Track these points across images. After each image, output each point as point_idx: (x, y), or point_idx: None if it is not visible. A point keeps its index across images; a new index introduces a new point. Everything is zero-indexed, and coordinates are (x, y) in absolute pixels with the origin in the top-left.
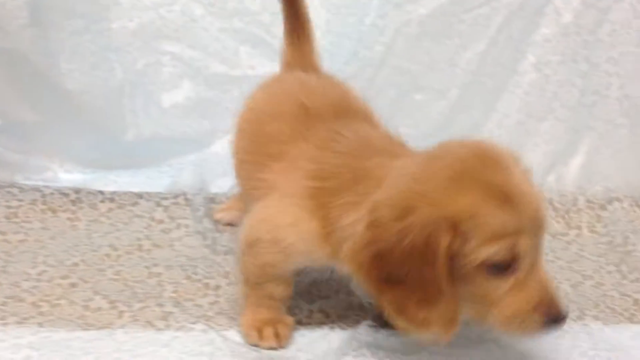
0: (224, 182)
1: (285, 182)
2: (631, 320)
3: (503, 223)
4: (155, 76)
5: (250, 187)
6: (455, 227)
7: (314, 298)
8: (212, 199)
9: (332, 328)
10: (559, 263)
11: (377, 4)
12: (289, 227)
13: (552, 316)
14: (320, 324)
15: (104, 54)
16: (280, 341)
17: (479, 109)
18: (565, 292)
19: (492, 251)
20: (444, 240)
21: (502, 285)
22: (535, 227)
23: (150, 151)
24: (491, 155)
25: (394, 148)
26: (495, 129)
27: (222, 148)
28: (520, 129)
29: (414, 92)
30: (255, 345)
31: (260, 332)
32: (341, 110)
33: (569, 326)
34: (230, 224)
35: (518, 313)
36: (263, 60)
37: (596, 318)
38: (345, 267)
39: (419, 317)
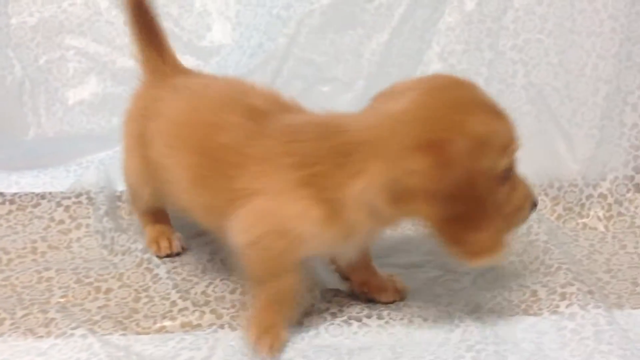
0: None
1: (271, 183)
2: (526, 312)
3: (509, 134)
4: (58, 72)
5: (223, 200)
6: (484, 146)
7: None
8: (118, 197)
9: None
10: None
11: (264, 7)
12: (296, 217)
13: (534, 203)
14: None
15: (2, 51)
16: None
17: None
18: (463, 286)
19: (507, 161)
20: (486, 162)
21: (505, 190)
22: None
23: (56, 150)
24: (462, 81)
25: (348, 119)
26: None
27: None
28: None
29: (321, 84)
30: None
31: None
32: (278, 103)
33: (460, 320)
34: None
35: (519, 207)
36: None
37: (491, 310)
38: (363, 236)
39: (481, 244)
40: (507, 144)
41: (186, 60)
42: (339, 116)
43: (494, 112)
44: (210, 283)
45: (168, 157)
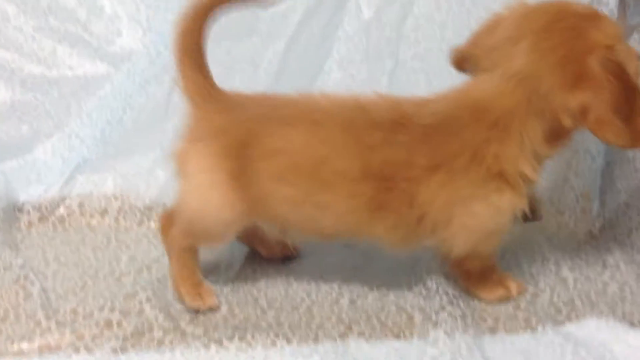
0: (35, 190)
1: (460, 189)
2: (397, 336)
3: (611, 21)
4: None
5: (410, 218)
6: (613, 47)
7: None
8: (19, 208)
9: None
10: (359, 274)
11: (173, 13)
12: (506, 210)
13: None
14: None
15: None
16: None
17: None
18: (342, 307)
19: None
20: (621, 55)
21: None
22: None
23: None
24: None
25: (477, 94)
26: None
27: (44, 153)
28: None
29: None
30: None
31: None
32: (394, 105)
33: (322, 345)
34: None
35: None
36: (82, 59)
37: (361, 334)
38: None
39: None
40: (616, 30)
41: (96, 66)
42: (465, 94)
43: (591, 13)
44: (82, 300)
45: (314, 195)
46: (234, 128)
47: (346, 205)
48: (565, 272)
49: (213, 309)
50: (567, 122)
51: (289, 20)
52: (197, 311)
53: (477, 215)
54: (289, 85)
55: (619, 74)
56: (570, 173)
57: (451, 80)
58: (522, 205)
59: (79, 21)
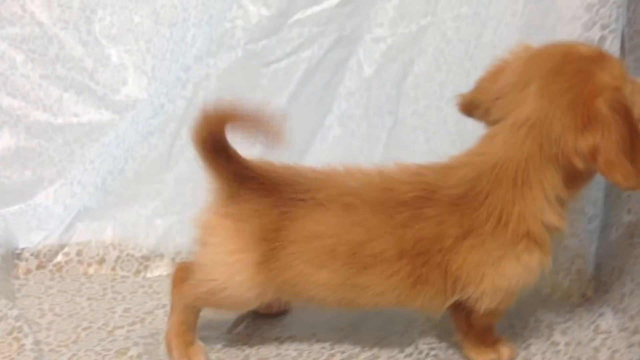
0: (35, 237)
1: (489, 252)
2: None
3: (617, 61)
4: None
5: (446, 286)
6: (618, 88)
7: None
8: (17, 255)
9: None
10: (352, 332)
11: (183, 54)
12: (531, 271)
13: None
14: None
15: None
16: None
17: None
18: None
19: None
20: (625, 95)
21: None
22: None
23: None
24: (551, 49)
25: (489, 150)
26: None
27: (46, 199)
28: None
29: None
30: None
31: None
32: (413, 175)
33: None
34: None
35: None
36: (87, 107)
37: None
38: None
39: None
40: (622, 70)
41: (101, 114)
42: (483, 156)
43: (596, 54)
44: (74, 355)
45: (351, 278)
46: (267, 210)
47: (385, 285)
48: (558, 336)
49: None
50: (579, 164)
51: (291, 77)
52: None
53: (508, 275)
54: (290, 138)
55: (626, 115)
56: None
57: (449, 138)
58: (549, 262)
59: (85, 70)
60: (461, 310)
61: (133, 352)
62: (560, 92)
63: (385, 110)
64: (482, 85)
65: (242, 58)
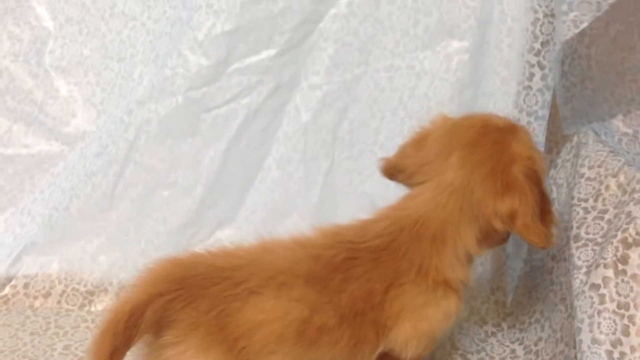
0: None
1: (411, 301)
2: None
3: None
4: None
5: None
6: (533, 154)
7: None
8: None
9: None
10: None
11: (125, 98)
12: (445, 318)
13: None
14: None
15: None
16: None
17: (226, 204)
18: None
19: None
20: (539, 162)
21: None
22: None
23: None
24: (467, 120)
25: (414, 208)
26: (243, 223)
27: None
28: (266, 224)
29: (161, 189)
30: None
31: None
32: (330, 237)
33: None
34: None
35: None
36: (37, 138)
37: None
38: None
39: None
40: (531, 140)
41: (50, 145)
42: (404, 212)
43: (509, 126)
44: None
45: (302, 356)
46: (204, 318)
47: (332, 354)
48: None
49: None
50: (498, 226)
51: (231, 123)
52: None
53: (429, 320)
54: (229, 181)
55: (537, 182)
56: (486, 267)
57: (383, 180)
58: (462, 310)
59: (35, 102)
60: (383, 358)
61: None
62: (481, 161)
63: (321, 153)
64: (406, 151)
65: (183, 104)
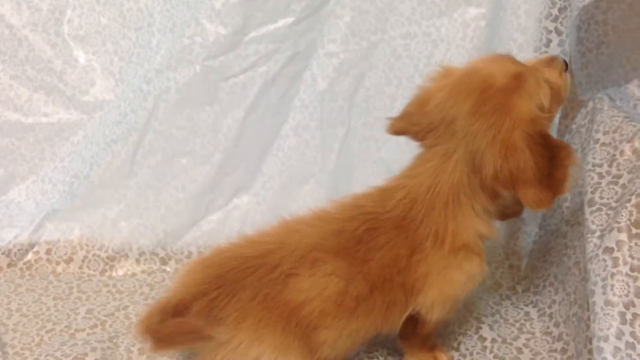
0: (7, 234)
1: (436, 264)
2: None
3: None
4: None
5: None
6: (538, 114)
7: None
8: None
9: None
10: None
11: (143, 67)
12: (473, 278)
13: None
14: None
15: None
16: None
17: (244, 171)
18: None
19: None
20: (545, 121)
21: None
22: None
23: None
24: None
25: (423, 172)
26: (260, 190)
27: (19, 195)
28: (283, 191)
29: (179, 156)
30: None
31: None
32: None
33: None
34: None
35: None
36: (57, 107)
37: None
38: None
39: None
40: (537, 83)
41: (70, 114)
42: (417, 181)
43: (513, 81)
44: (36, 359)
45: (346, 328)
46: (250, 306)
47: (370, 321)
48: (485, 331)
49: None
50: (501, 191)
51: (248, 91)
52: None
53: (452, 283)
54: (246, 149)
55: (540, 140)
56: (500, 232)
57: (398, 147)
58: (486, 271)
59: (54, 71)
60: (409, 321)
61: (90, 357)
62: (482, 131)
63: (338, 121)
64: (409, 114)
65: (201, 73)
